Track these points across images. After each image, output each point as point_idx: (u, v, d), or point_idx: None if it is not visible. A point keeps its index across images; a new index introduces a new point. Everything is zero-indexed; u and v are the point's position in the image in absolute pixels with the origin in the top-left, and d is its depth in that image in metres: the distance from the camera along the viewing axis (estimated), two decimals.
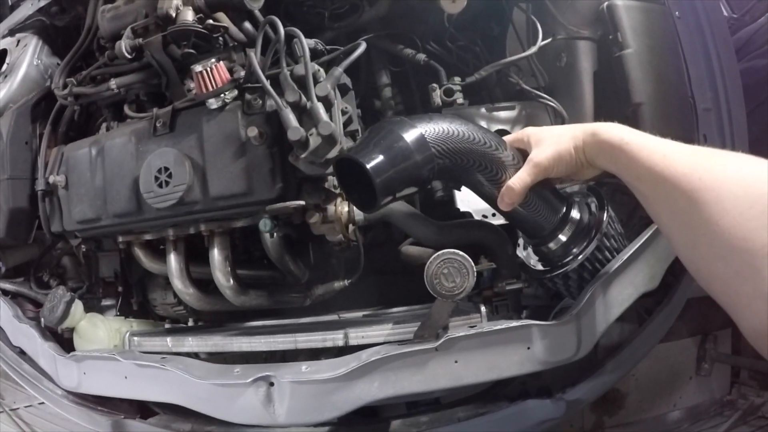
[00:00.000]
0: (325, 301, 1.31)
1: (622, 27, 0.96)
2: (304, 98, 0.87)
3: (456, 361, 0.90)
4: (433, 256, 0.86)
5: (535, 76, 1.13)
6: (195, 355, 1.12)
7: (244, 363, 1.08)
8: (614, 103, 1.01)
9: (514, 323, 0.90)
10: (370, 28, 1.08)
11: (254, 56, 0.90)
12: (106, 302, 1.23)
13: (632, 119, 0.96)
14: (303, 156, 0.88)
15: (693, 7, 0.98)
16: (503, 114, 1.12)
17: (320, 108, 0.85)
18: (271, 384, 0.93)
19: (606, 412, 2.08)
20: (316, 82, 0.88)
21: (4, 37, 1.20)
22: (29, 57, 1.13)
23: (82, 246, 1.17)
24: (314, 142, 0.86)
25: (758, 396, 2.06)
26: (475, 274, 0.84)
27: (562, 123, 1.04)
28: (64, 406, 1.11)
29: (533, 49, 1.00)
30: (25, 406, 1.39)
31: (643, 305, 1.44)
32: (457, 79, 1.04)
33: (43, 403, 1.27)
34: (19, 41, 1.16)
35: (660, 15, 0.98)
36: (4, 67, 1.14)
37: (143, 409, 1.18)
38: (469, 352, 0.90)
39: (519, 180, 0.73)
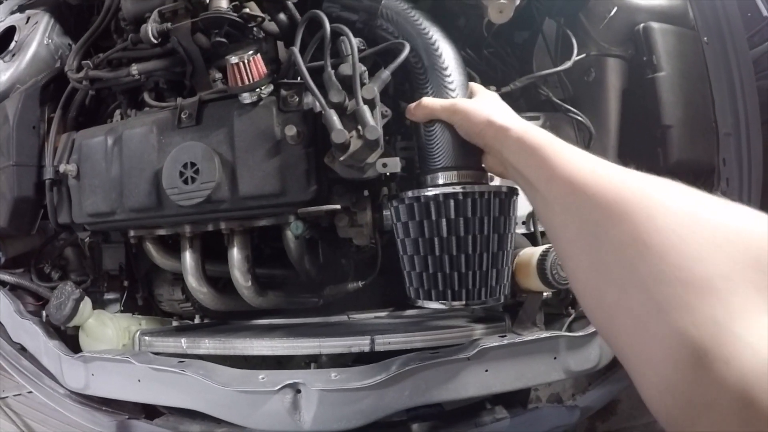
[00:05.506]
0: (331, 303, 1.29)
1: (657, 50, 0.98)
2: (347, 100, 0.85)
3: (486, 370, 0.90)
4: (545, 247, 0.91)
5: (560, 88, 1.14)
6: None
7: (259, 363, 1.07)
8: (641, 123, 1.03)
9: (545, 334, 0.91)
10: None
11: (297, 51, 0.87)
12: (108, 296, 1.17)
13: (660, 140, 0.99)
14: (342, 159, 0.86)
15: (720, 34, 1.01)
16: None
17: (366, 111, 0.83)
18: (298, 391, 0.92)
19: (599, 417, 2.14)
20: (362, 83, 0.86)
21: (13, 13, 1.11)
22: (39, 36, 1.04)
23: (88, 238, 1.11)
24: (355, 145, 0.85)
25: None
26: None
27: (589, 138, 1.05)
28: (67, 405, 1.06)
29: (568, 64, 1.01)
30: (14, 395, 1.31)
31: None
32: (493, 88, 1.03)
33: (31, 392, 1.20)
34: (29, 18, 1.07)
35: (691, 40, 1.01)
36: (12, 45, 1.05)
37: (148, 410, 1.14)
38: (499, 361, 0.91)
39: (432, 100, 0.79)
